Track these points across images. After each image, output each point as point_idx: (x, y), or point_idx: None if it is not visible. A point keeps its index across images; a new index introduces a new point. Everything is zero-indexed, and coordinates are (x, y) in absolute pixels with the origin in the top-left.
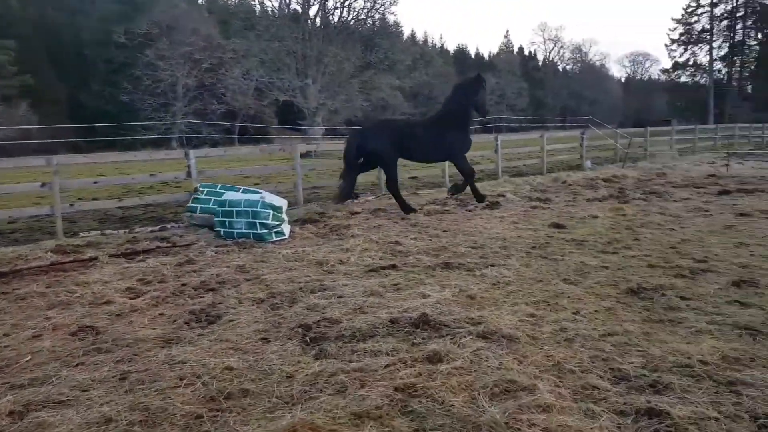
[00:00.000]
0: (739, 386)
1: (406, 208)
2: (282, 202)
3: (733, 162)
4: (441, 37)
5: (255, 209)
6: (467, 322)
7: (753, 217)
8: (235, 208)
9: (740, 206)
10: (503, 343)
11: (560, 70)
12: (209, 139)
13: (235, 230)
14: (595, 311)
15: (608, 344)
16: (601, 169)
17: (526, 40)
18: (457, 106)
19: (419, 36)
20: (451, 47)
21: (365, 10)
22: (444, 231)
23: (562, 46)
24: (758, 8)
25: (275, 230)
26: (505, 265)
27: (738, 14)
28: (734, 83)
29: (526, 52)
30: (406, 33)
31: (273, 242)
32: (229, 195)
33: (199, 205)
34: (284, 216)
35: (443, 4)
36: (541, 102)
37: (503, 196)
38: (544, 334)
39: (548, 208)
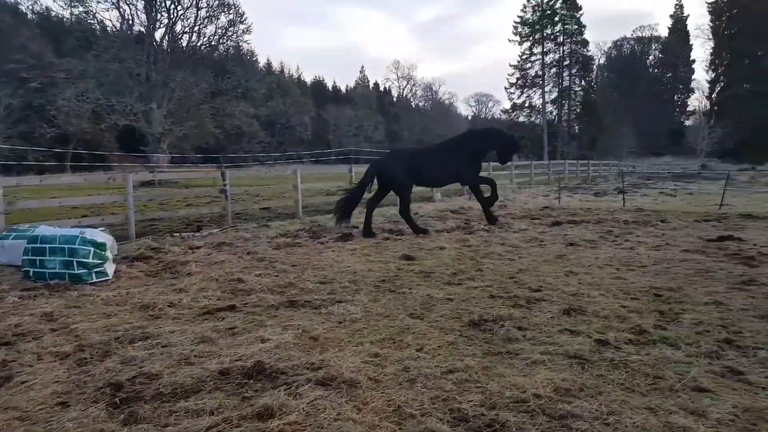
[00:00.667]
0: (570, 419)
1: (417, 230)
2: (106, 238)
3: (564, 195)
4: (298, 68)
5: (73, 246)
6: (307, 368)
7: (581, 247)
8: (48, 245)
9: (570, 236)
10: (343, 390)
11: (413, 106)
12: (36, 165)
13: (47, 270)
14: (439, 347)
15: (449, 382)
16: (450, 201)
17: (380, 76)
18: (472, 145)
19: (276, 66)
20: (309, 78)
21: (217, 37)
22: (293, 266)
23: (414, 84)
24: (581, 59)
25: (96, 270)
26: (353, 301)
27: (565, 63)
28: (564, 124)
29: (381, 88)
30: (262, 62)
31: (93, 284)
32: (42, 230)
33: (13, 233)
34: (108, 254)
35: (298, 35)
36: (397, 135)
37: (356, 227)
38: (387, 375)
39: (400, 239)
